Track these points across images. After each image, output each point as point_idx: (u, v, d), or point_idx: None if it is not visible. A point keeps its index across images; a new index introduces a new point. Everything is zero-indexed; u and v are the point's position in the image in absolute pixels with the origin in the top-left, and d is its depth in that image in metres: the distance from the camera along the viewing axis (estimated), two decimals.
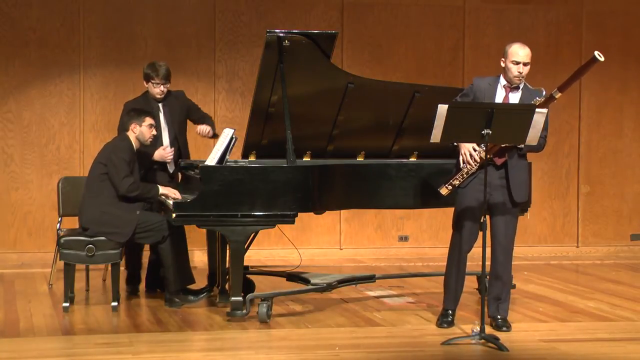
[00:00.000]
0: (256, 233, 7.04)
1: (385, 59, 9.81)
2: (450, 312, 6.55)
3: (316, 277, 7.39)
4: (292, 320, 6.79)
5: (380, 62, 9.78)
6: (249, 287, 7.31)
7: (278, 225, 6.71)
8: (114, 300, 7.06)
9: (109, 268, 7.41)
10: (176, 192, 7.01)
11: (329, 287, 7.17)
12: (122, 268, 7.27)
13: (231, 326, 6.56)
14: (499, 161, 6.35)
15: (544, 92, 6.33)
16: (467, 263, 6.53)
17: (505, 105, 6.25)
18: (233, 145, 6.90)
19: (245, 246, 6.74)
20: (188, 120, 7.80)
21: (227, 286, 7.17)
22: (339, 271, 8.65)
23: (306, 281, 7.28)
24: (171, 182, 7.52)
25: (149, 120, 7.21)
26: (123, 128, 7.29)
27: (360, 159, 7.58)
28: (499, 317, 6.47)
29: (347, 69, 8.20)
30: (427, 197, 7.05)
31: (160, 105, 7.61)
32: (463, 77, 9.76)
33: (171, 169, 7.61)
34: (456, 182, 6.37)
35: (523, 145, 6.27)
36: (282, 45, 6.84)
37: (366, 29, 9.78)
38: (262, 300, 6.70)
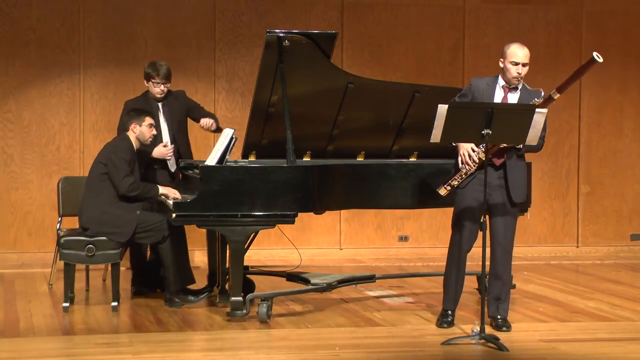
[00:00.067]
0: (256, 233, 7.04)
1: (385, 59, 9.81)
2: (450, 312, 6.54)
3: (316, 277, 7.39)
4: (292, 320, 6.79)
5: (380, 62, 9.78)
6: (249, 287, 7.31)
7: (278, 225, 6.71)
8: (114, 300, 7.06)
9: (109, 268, 7.41)
10: (176, 192, 7.01)
11: (329, 287, 7.17)
12: (123, 268, 7.28)
13: (231, 326, 6.56)
14: (497, 162, 6.35)
15: (543, 93, 6.33)
16: (467, 263, 6.54)
17: (506, 105, 6.24)
18: (233, 145, 6.90)
19: (245, 246, 6.74)
20: (190, 120, 7.80)
21: (227, 286, 7.17)
22: (339, 271, 8.65)
23: (306, 281, 7.28)
24: (172, 181, 7.52)
25: (149, 120, 7.21)
26: (123, 128, 7.30)
27: (360, 159, 7.58)
28: (499, 317, 6.47)
29: (347, 69, 8.20)
30: (427, 197, 7.05)
31: (159, 104, 7.61)
32: (463, 77, 9.76)
33: (172, 167, 7.61)
34: (455, 183, 6.37)
35: (521, 146, 6.28)
36: (282, 45, 6.84)
37: (366, 29, 9.78)
38: (262, 300, 6.70)
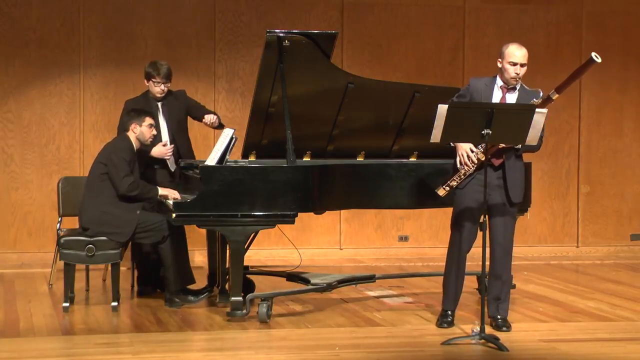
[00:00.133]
0: (256, 233, 7.04)
1: (385, 59, 9.81)
2: (449, 312, 6.54)
3: (316, 277, 7.39)
4: (292, 320, 6.79)
5: (380, 62, 9.78)
6: (249, 287, 7.31)
7: (278, 225, 6.71)
8: (114, 300, 7.06)
9: (109, 268, 7.41)
10: (176, 192, 7.01)
11: (329, 287, 7.17)
12: (123, 268, 7.28)
13: (231, 326, 6.56)
14: (496, 162, 6.35)
15: (541, 93, 6.33)
16: (467, 263, 6.53)
17: (506, 105, 6.24)
18: (233, 145, 6.90)
19: (245, 246, 6.74)
20: (190, 120, 7.80)
21: (227, 286, 7.17)
22: (339, 271, 8.65)
23: (306, 281, 7.28)
24: (172, 181, 7.52)
25: (149, 121, 7.21)
26: (123, 128, 7.30)
27: (360, 159, 7.58)
28: (499, 317, 6.47)
29: (347, 69, 8.20)
30: (427, 197, 7.04)
31: (159, 104, 7.62)
32: (463, 77, 9.75)
33: (172, 167, 7.61)
34: (454, 183, 6.37)
35: (520, 146, 6.27)
36: (282, 45, 6.84)
37: (366, 29, 9.78)
38: (262, 300, 6.70)
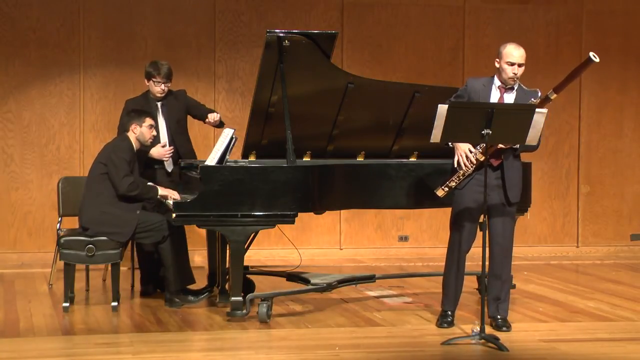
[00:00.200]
0: (256, 233, 7.04)
1: (385, 59, 9.81)
2: (449, 312, 6.54)
3: (316, 277, 7.39)
4: (292, 320, 6.79)
5: (380, 62, 9.78)
6: (249, 287, 7.31)
7: (278, 225, 6.72)
8: (114, 300, 7.06)
9: (109, 268, 7.40)
10: (175, 193, 7.01)
11: (329, 287, 7.17)
12: (123, 268, 7.28)
13: (231, 326, 6.56)
14: (495, 162, 6.34)
15: (539, 94, 6.33)
16: (467, 263, 6.54)
17: (506, 105, 6.24)
18: (233, 145, 6.90)
19: (245, 246, 6.74)
20: (190, 120, 7.80)
21: (227, 286, 7.17)
22: (339, 271, 8.65)
23: (306, 281, 7.28)
24: (172, 182, 7.52)
25: (149, 121, 7.21)
26: (123, 128, 7.30)
27: (360, 159, 7.58)
28: (498, 317, 6.47)
29: (347, 69, 8.20)
30: (427, 197, 7.03)
31: (159, 104, 7.62)
32: (463, 77, 9.74)
33: (169, 167, 7.61)
34: (452, 184, 6.37)
35: (518, 146, 6.27)
36: (282, 45, 6.84)
37: (366, 29, 9.78)
38: (262, 300, 6.70)
